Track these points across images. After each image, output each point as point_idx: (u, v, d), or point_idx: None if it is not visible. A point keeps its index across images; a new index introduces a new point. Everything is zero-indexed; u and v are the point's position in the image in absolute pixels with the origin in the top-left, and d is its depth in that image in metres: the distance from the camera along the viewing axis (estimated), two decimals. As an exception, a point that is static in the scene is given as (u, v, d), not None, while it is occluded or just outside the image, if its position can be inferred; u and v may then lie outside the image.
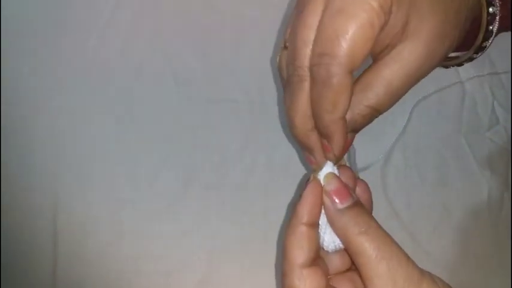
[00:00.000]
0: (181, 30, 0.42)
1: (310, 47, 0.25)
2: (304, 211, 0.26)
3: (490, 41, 0.30)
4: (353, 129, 0.28)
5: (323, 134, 0.27)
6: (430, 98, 0.43)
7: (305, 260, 0.26)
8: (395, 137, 0.42)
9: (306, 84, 0.26)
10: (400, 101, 0.42)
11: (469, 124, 0.43)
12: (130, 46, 0.42)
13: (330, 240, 0.27)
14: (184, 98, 0.41)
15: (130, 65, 0.41)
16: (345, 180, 0.27)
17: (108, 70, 0.41)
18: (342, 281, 0.27)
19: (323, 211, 0.27)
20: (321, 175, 0.27)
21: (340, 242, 0.26)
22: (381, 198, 0.41)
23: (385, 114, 0.42)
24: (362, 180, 0.29)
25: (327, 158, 0.28)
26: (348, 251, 0.25)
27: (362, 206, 0.26)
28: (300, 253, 0.26)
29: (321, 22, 0.25)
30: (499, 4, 0.29)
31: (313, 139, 0.28)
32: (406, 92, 0.27)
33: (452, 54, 0.32)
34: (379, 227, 0.25)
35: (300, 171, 0.40)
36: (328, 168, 0.27)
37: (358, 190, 0.29)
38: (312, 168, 0.29)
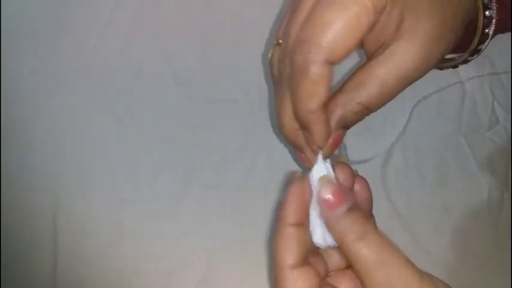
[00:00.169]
0: (181, 30, 0.42)
1: None
2: (290, 212, 0.26)
3: (485, 44, 0.30)
4: (344, 125, 0.27)
5: (302, 125, 0.27)
6: (430, 98, 0.43)
7: (295, 261, 0.25)
8: (395, 137, 0.42)
9: None
10: (400, 101, 0.43)
11: (469, 124, 0.43)
12: (131, 46, 0.42)
13: (319, 237, 0.26)
14: (184, 98, 0.41)
15: (131, 65, 0.41)
16: (342, 178, 0.27)
17: (108, 70, 0.41)
18: (342, 279, 0.27)
19: (311, 207, 0.26)
20: (314, 172, 0.27)
21: (331, 239, 0.26)
22: (382, 198, 0.41)
23: (385, 114, 0.42)
24: (361, 177, 0.29)
25: (313, 151, 0.27)
26: (345, 257, 0.25)
27: (358, 210, 0.25)
28: (289, 255, 0.25)
29: (310, 13, 0.25)
30: (496, 7, 0.28)
31: (302, 137, 0.28)
32: (399, 92, 0.26)
33: (448, 56, 0.32)
34: (376, 231, 0.24)
35: (300, 171, 0.40)
36: (320, 164, 0.27)
37: (358, 187, 0.28)
38: (305, 166, 0.29)
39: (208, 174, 0.40)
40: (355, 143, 0.41)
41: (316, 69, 0.24)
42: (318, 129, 0.26)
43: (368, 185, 0.29)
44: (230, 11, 0.43)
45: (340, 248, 0.25)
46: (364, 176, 0.29)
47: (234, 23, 0.43)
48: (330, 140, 0.27)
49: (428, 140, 0.42)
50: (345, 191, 0.26)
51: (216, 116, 0.41)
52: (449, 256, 0.41)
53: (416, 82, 0.43)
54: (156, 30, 0.42)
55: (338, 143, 0.28)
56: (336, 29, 0.24)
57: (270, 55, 0.29)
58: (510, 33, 0.33)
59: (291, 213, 0.26)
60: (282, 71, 0.27)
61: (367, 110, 0.27)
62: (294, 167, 0.41)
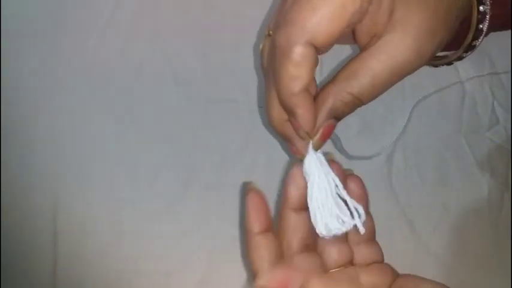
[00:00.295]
0: (181, 30, 0.42)
1: None
2: (253, 222, 0.27)
3: (479, 40, 0.30)
4: (335, 116, 0.27)
5: (286, 110, 0.27)
6: (430, 98, 0.43)
7: (271, 263, 0.26)
8: (395, 137, 0.42)
9: None
10: (400, 101, 0.43)
11: (469, 124, 0.43)
12: (131, 46, 0.42)
13: (322, 227, 0.26)
14: (184, 98, 0.41)
15: (131, 65, 0.41)
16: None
17: (108, 70, 0.41)
18: (340, 277, 0.27)
19: (308, 198, 0.26)
20: (305, 163, 0.27)
21: (335, 227, 0.26)
22: (382, 197, 0.41)
23: (385, 114, 0.42)
24: (355, 175, 0.29)
25: (300, 137, 0.27)
26: None
27: None
28: (263, 262, 0.26)
29: None
30: (490, 2, 0.28)
31: (291, 128, 0.28)
32: (391, 85, 0.26)
33: (442, 54, 0.32)
34: None
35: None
36: (312, 154, 0.27)
37: (352, 186, 0.28)
38: (297, 158, 0.28)
39: (208, 174, 0.40)
40: (356, 142, 0.41)
41: (298, 50, 0.24)
42: (302, 113, 0.26)
43: (362, 182, 0.29)
44: (230, 11, 0.43)
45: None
46: (364, 176, 0.29)
47: (234, 23, 0.43)
48: (320, 130, 0.27)
49: (428, 140, 0.42)
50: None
51: (216, 116, 0.41)
52: (449, 256, 0.41)
53: (416, 82, 0.43)
54: (156, 30, 0.42)
55: (328, 133, 0.27)
56: (320, 13, 0.24)
57: (261, 46, 0.29)
58: (510, 33, 0.33)
59: (254, 223, 0.27)
60: (270, 63, 0.27)
61: (358, 101, 0.26)
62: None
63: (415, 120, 0.43)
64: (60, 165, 0.40)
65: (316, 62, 0.25)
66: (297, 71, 0.25)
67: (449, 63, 0.33)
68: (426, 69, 0.29)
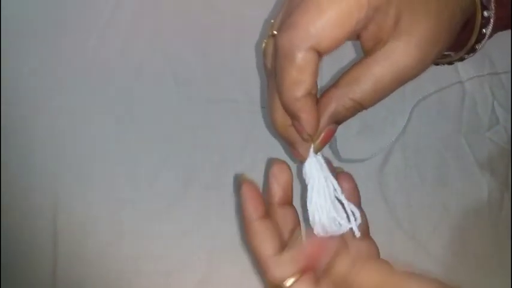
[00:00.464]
0: (181, 30, 0.42)
1: None
2: (250, 208, 0.27)
3: (482, 43, 0.30)
4: (335, 120, 0.27)
5: (289, 114, 0.27)
6: (430, 98, 0.43)
7: (276, 248, 0.26)
8: (395, 137, 0.42)
9: None
10: (400, 101, 0.43)
11: (469, 124, 0.43)
12: (131, 46, 0.42)
13: (320, 229, 0.27)
14: (184, 98, 0.41)
15: (131, 65, 0.41)
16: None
17: (108, 70, 0.41)
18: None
19: (308, 201, 0.27)
20: (306, 166, 0.27)
21: (332, 229, 0.27)
22: (379, 198, 0.41)
23: (385, 114, 0.42)
24: (346, 172, 0.29)
25: (303, 139, 0.27)
26: None
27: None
28: (266, 246, 0.26)
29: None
30: (495, 6, 0.28)
31: (294, 133, 0.28)
32: (393, 90, 0.26)
33: (444, 53, 0.32)
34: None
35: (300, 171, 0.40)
36: (312, 158, 0.27)
37: (343, 183, 0.28)
38: (298, 161, 0.29)
39: (208, 174, 0.40)
40: (355, 142, 0.41)
41: (301, 55, 0.24)
42: (305, 117, 0.26)
43: (352, 177, 0.29)
44: (230, 11, 0.43)
45: None
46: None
47: (234, 23, 0.43)
48: (322, 134, 0.27)
49: (428, 140, 0.42)
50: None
51: (216, 116, 0.41)
52: (449, 256, 0.41)
53: (416, 82, 0.42)
54: (156, 30, 0.42)
55: (329, 137, 0.27)
56: (326, 18, 0.24)
57: (263, 45, 0.29)
58: (510, 33, 0.33)
59: (252, 210, 0.27)
60: (273, 65, 0.27)
61: (359, 106, 0.26)
62: (294, 166, 0.41)
63: (415, 120, 0.43)
64: (60, 165, 0.40)
65: (318, 66, 0.25)
66: (300, 76, 0.25)
67: (450, 63, 0.33)
68: (426, 70, 0.29)
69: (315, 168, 0.27)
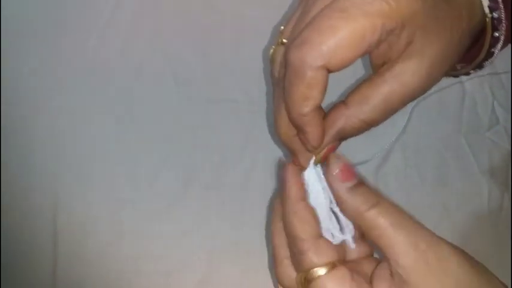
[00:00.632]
0: (181, 30, 0.42)
1: None
2: (296, 189, 0.26)
3: (489, 61, 0.30)
4: (340, 138, 0.27)
5: (296, 127, 0.27)
6: (430, 98, 0.43)
7: (317, 232, 0.26)
8: (395, 137, 0.42)
9: None
10: (400, 101, 0.43)
11: (469, 124, 0.43)
12: (131, 46, 0.42)
13: (327, 234, 0.27)
14: (184, 98, 0.41)
15: (131, 65, 0.41)
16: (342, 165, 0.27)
17: (108, 70, 0.41)
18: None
19: (317, 211, 0.27)
20: (305, 175, 0.27)
21: (339, 235, 0.26)
22: (388, 195, 0.41)
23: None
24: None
25: (308, 150, 0.28)
26: (362, 228, 0.25)
27: (367, 184, 0.26)
28: (309, 227, 0.26)
29: (317, 15, 0.25)
30: (505, 27, 0.28)
31: (297, 143, 0.28)
32: (401, 109, 0.27)
33: None
34: (388, 199, 0.25)
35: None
36: (311, 169, 0.27)
37: None
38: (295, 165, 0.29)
39: (208, 174, 0.40)
40: (355, 142, 0.41)
41: (312, 73, 0.24)
42: (311, 131, 0.26)
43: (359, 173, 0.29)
44: (230, 11, 0.43)
45: (356, 220, 0.25)
46: (363, 176, 0.29)
47: (234, 23, 0.43)
48: (324, 150, 0.27)
49: (428, 140, 0.42)
50: (352, 167, 0.26)
51: (216, 116, 0.41)
52: (449, 256, 0.41)
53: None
54: (156, 30, 0.42)
55: (331, 152, 0.28)
56: (339, 38, 0.23)
57: (271, 51, 0.29)
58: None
59: (297, 190, 0.26)
60: (282, 75, 0.27)
61: (367, 126, 0.27)
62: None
63: (415, 120, 0.43)
64: (60, 165, 0.40)
65: (327, 83, 0.25)
66: (308, 92, 0.25)
67: (456, 76, 0.33)
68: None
69: (313, 179, 0.27)
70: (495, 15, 0.28)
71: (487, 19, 0.28)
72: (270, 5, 0.42)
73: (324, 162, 0.28)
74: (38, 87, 0.40)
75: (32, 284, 0.38)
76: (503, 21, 0.28)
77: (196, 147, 0.41)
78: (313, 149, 0.27)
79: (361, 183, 0.26)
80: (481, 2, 0.27)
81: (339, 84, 0.37)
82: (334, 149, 0.28)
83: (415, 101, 0.43)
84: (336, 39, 0.23)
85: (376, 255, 0.28)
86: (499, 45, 0.29)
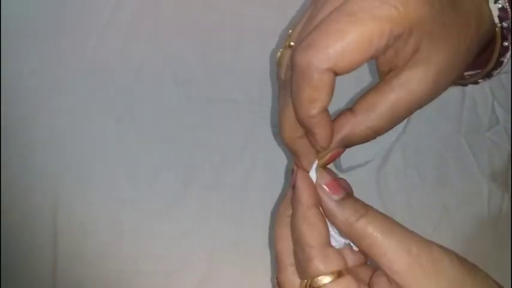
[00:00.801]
0: (181, 30, 0.42)
1: None
2: (306, 195, 0.26)
3: (498, 70, 0.30)
4: (345, 145, 0.27)
5: (304, 128, 0.27)
6: (430, 98, 0.43)
7: (326, 239, 0.26)
8: (395, 137, 0.42)
9: None
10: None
11: (469, 124, 0.43)
12: (131, 46, 0.42)
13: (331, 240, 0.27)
14: (184, 98, 0.41)
15: (131, 65, 0.41)
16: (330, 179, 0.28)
17: (108, 70, 0.41)
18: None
19: None
20: None
21: (335, 243, 0.26)
22: (379, 199, 0.41)
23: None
24: (342, 178, 0.29)
25: (316, 151, 0.28)
26: (353, 239, 0.25)
27: (354, 196, 0.26)
28: (318, 234, 0.26)
29: (324, 18, 0.25)
30: None
31: (301, 146, 0.28)
32: (407, 117, 0.27)
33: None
34: (376, 210, 0.26)
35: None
36: (313, 173, 0.27)
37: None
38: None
39: (208, 174, 0.40)
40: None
41: (318, 76, 0.24)
42: (320, 132, 0.26)
43: (349, 184, 0.29)
44: (230, 11, 0.43)
45: (346, 232, 0.25)
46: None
47: (234, 23, 0.43)
48: (328, 155, 0.28)
49: (428, 140, 0.42)
50: (340, 181, 0.27)
51: (216, 116, 0.41)
52: (449, 256, 0.41)
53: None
54: (156, 30, 0.42)
55: (335, 158, 0.28)
56: (346, 41, 0.23)
57: (279, 54, 0.29)
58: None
59: (310, 196, 0.26)
60: (288, 77, 0.27)
61: (373, 134, 0.27)
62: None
63: (415, 120, 0.43)
64: (60, 165, 0.40)
65: (334, 86, 0.25)
66: (316, 95, 0.25)
67: (464, 85, 0.33)
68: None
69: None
70: (505, 24, 0.27)
71: (497, 28, 0.28)
72: (270, 5, 0.42)
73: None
74: (38, 87, 0.40)
75: (32, 284, 0.38)
76: None
77: (196, 147, 0.41)
78: (322, 150, 0.27)
79: (348, 196, 0.26)
80: (490, 11, 0.27)
81: (346, 90, 0.37)
82: (338, 155, 0.28)
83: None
84: (344, 42, 0.23)
85: (369, 262, 0.28)
86: (508, 55, 0.29)
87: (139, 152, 0.40)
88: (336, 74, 0.25)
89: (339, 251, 0.26)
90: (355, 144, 0.28)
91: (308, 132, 0.27)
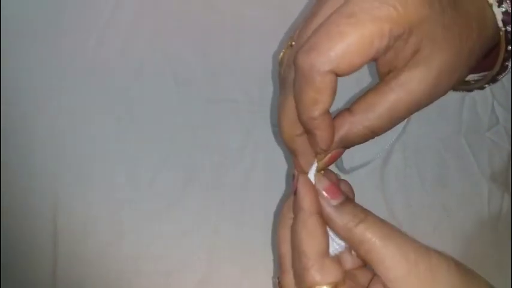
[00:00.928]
0: (181, 30, 0.42)
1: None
2: (307, 202, 0.26)
3: (503, 75, 0.30)
4: (344, 145, 0.27)
5: (305, 129, 0.27)
6: (430, 98, 0.43)
7: (324, 249, 0.26)
8: (395, 137, 0.42)
9: None
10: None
11: (469, 124, 0.43)
12: (131, 46, 0.42)
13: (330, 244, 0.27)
14: (184, 98, 0.41)
15: (131, 65, 0.41)
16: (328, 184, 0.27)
17: (108, 70, 0.41)
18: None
19: None
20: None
21: (331, 248, 0.26)
22: (379, 199, 0.41)
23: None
24: (344, 180, 0.29)
25: (316, 153, 0.28)
26: (351, 244, 0.25)
27: (353, 201, 0.26)
28: (317, 244, 0.25)
29: (325, 20, 0.25)
30: None
31: (299, 144, 0.28)
32: (406, 118, 0.27)
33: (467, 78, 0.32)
34: (375, 215, 0.25)
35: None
36: (312, 174, 0.27)
37: (342, 189, 0.28)
38: (298, 172, 0.29)
39: (208, 174, 0.40)
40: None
41: (320, 78, 0.24)
42: (321, 134, 0.26)
43: (351, 186, 0.29)
44: (230, 11, 0.43)
45: (345, 237, 0.25)
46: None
47: (234, 23, 0.43)
48: (328, 156, 0.27)
49: (428, 140, 0.42)
50: (338, 185, 0.27)
51: (216, 116, 0.41)
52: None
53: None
54: (156, 30, 0.42)
55: (335, 159, 0.28)
56: (347, 43, 0.24)
57: (281, 54, 0.29)
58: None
59: (311, 202, 0.26)
60: (287, 75, 0.27)
61: (372, 134, 0.27)
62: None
63: (414, 120, 0.43)
64: (60, 165, 0.40)
65: (336, 87, 0.25)
66: (318, 97, 0.25)
67: (470, 90, 0.33)
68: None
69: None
70: (509, 28, 0.27)
71: (501, 33, 0.27)
72: (270, 5, 0.42)
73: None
74: (38, 87, 0.40)
75: (32, 284, 0.38)
76: None
77: (196, 147, 0.41)
78: (322, 152, 0.27)
79: (347, 201, 0.26)
80: (494, 15, 0.27)
81: (346, 91, 0.37)
82: (337, 156, 0.28)
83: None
84: (344, 44, 0.24)
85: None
86: None
87: (139, 152, 0.40)
88: (338, 75, 0.25)
89: (336, 261, 0.26)
90: (354, 145, 0.27)
91: (309, 134, 0.27)
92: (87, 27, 0.42)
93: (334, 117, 0.27)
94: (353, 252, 0.27)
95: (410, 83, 0.25)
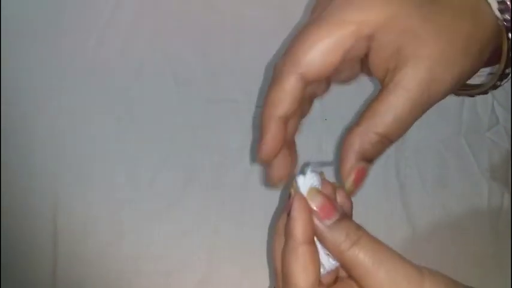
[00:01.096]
0: (181, 30, 0.42)
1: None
2: (300, 230, 0.25)
3: (504, 82, 0.30)
4: (364, 158, 0.26)
5: (260, 129, 0.27)
6: (430, 98, 0.43)
7: (315, 279, 0.25)
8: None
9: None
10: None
11: (469, 124, 0.43)
12: (131, 46, 0.42)
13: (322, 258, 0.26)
14: (184, 98, 0.41)
15: (131, 65, 0.41)
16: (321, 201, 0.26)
17: (108, 70, 0.41)
18: None
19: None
20: (299, 183, 0.26)
21: (328, 264, 0.26)
22: (379, 199, 0.41)
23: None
24: (341, 187, 0.28)
25: (257, 160, 0.28)
26: (343, 267, 0.25)
27: (348, 218, 0.25)
28: (306, 275, 0.24)
29: (304, 26, 0.26)
30: None
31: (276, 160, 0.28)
32: (415, 119, 0.26)
33: (477, 83, 0.32)
34: (368, 234, 0.25)
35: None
36: (304, 187, 0.26)
37: (339, 199, 0.27)
38: (291, 184, 0.27)
39: (208, 174, 0.40)
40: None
41: (287, 80, 0.26)
42: (267, 139, 0.27)
43: (348, 198, 0.28)
44: (230, 11, 0.43)
45: (337, 258, 0.25)
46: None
47: (234, 23, 0.43)
48: (352, 175, 0.26)
49: (429, 140, 0.42)
50: (333, 201, 0.26)
51: (216, 116, 0.41)
52: (449, 256, 0.41)
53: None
54: (156, 30, 0.42)
55: (362, 177, 0.26)
56: (314, 50, 0.25)
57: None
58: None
59: (304, 230, 0.25)
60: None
61: (386, 140, 0.26)
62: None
63: (415, 120, 0.42)
64: (60, 165, 0.40)
65: (303, 93, 0.26)
66: (282, 97, 0.26)
67: (485, 92, 0.32)
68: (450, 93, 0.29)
69: (302, 189, 0.26)
70: (507, 16, 0.27)
71: (499, 22, 0.27)
72: (270, 5, 0.42)
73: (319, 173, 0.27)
74: (38, 87, 0.40)
75: (32, 284, 0.38)
76: None
77: (196, 147, 0.41)
78: (260, 160, 0.28)
79: (342, 218, 0.25)
80: (490, 6, 0.26)
81: (348, 100, 0.37)
82: (364, 171, 0.26)
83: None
84: (312, 50, 0.25)
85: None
86: None
87: (139, 152, 0.40)
88: (307, 81, 0.26)
89: None
90: (374, 156, 0.26)
91: (261, 135, 0.27)
92: (87, 27, 0.42)
93: (345, 134, 0.27)
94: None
95: (404, 80, 0.25)
